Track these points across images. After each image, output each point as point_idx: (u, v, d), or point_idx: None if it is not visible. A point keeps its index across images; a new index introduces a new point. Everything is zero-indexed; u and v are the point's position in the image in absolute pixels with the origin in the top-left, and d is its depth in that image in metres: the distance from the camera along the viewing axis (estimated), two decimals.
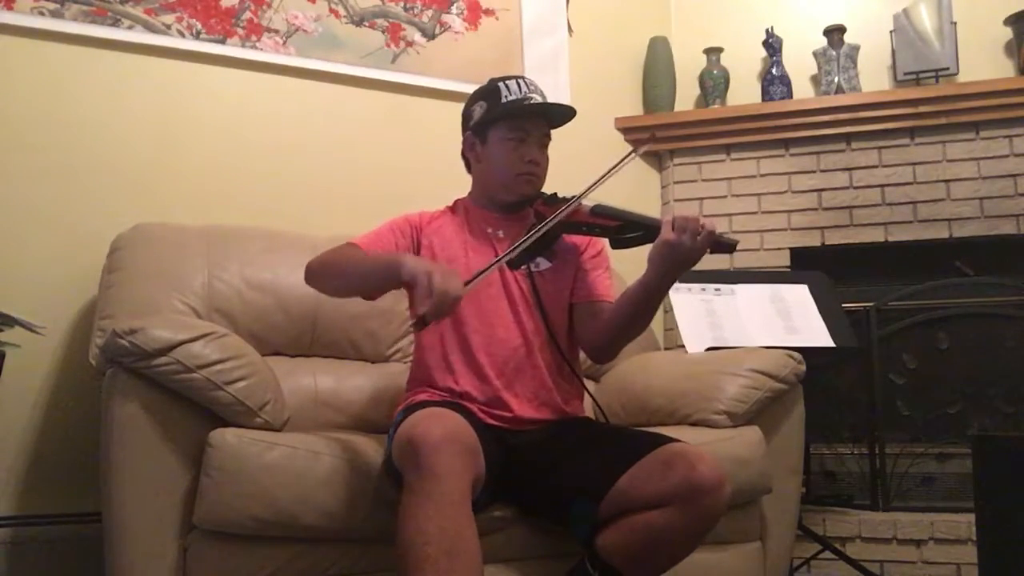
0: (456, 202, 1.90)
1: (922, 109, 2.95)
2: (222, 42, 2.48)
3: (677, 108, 3.18)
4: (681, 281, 2.40)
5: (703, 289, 2.44)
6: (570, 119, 1.82)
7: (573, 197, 1.67)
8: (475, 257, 1.77)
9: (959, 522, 2.55)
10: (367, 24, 2.71)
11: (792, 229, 3.07)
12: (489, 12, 2.92)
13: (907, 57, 3.02)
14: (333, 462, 1.53)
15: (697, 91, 3.23)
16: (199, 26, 2.45)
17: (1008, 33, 3.00)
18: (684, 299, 2.40)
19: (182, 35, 2.43)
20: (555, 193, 1.77)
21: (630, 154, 1.67)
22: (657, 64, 3.16)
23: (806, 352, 2.09)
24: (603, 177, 1.64)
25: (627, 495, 1.50)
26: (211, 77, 2.47)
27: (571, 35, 3.07)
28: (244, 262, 2.12)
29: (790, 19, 3.19)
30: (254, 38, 2.53)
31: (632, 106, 3.20)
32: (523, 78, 1.82)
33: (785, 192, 3.09)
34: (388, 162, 2.68)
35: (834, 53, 3.07)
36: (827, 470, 2.93)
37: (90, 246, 2.15)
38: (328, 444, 1.57)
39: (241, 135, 2.49)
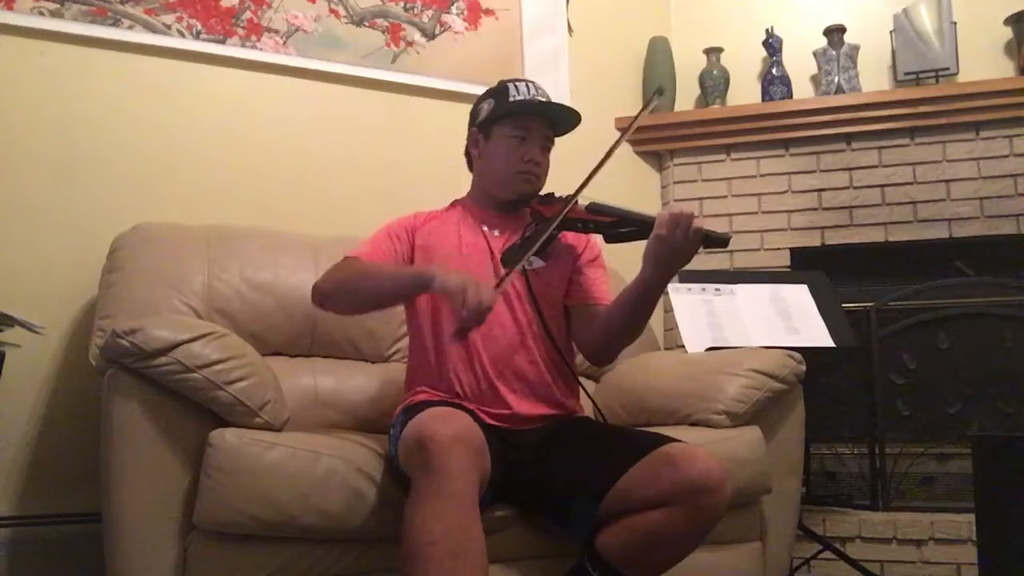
0: (454, 202, 1.91)
1: (922, 109, 2.95)
2: (222, 42, 2.48)
3: (677, 108, 3.18)
4: (681, 281, 2.41)
5: (703, 289, 2.44)
6: (573, 128, 1.84)
7: (568, 196, 1.68)
8: (469, 254, 1.78)
9: (959, 522, 2.54)
10: (367, 24, 2.71)
11: (792, 229, 3.07)
12: (489, 12, 2.92)
13: (907, 57, 3.02)
14: (333, 462, 1.53)
15: (697, 91, 3.23)
16: (199, 26, 2.45)
17: (1008, 33, 2.99)
18: (684, 299, 2.40)
19: (182, 35, 2.43)
20: (551, 193, 1.78)
21: (619, 139, 1.71)
22: (657, 64, 3.16)
23: (806, 352, 2.09)
24: (598, 166, 1.66)
25: (627, 495, 1.50)
26: (211, 77, 2.47)
27: (571, 35, 3.07)
28: (244, 262, 2.12)
29: (790, 19, 3.19)
30: (254, 38, 2.53)
31: (632, 106, 3.20)
32: (533, 82, 1.84)
33: (785, 192, 3.09)
34: (388, 162, 2.68)
35: (834, 53, 3.07)
36: (827, 470, 2.93)
37: (90, 246, 2.15)
38: (328, 444, 1.57)
39: (241, 135, 2.49)
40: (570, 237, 1.84)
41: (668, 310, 2.64)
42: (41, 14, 2.25)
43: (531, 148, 1.78)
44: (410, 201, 1.94)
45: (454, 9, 2.86)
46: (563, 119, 1.83)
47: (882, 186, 3.01)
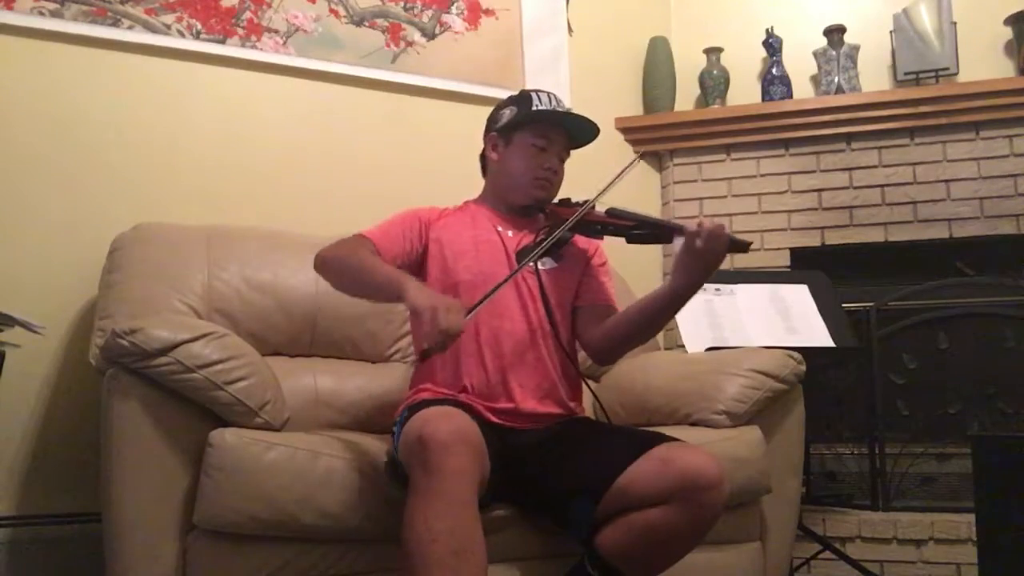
0: (465, 203, 1.93)
1: (922, 109, 2.95)
2: (222, 42, 2.48)
3: (677, 108, 3.18)
4: None
5: (703, 289, 2.42)
6: (590, 141, 1.87)
7: (586, 201, 1.71)
8: (485, 251, 1.79)
9: (959, 522, 2.54)
10: (367, 24, 2.71)
11: (792, 229, 3.07)
12: (489, 12, 2.92)
13: (907, 57, 3.02)
14: (333, 462, 1.53)
15: (697, 91, 3.23)
16: (199, 26, 2.45)
17: (1008, 33, 3.00)
18: None
19: (182, 35, 2.43)
20: (568, 198, 1.81)
21: (634, 161, 1.72)
22: (657, 64, 3.16)
23: (806, 352, 2.09)
24: (612, 182, 1.68)
25: (626, 493, 1.50)
26: (211, 77, 2.47)
27: (571, 35, 3.07)
28: (244, 262, 2.12)
29: (790, 19, 3.19)
30: (254, 38, 2.53)
31: (632, 106, 3.20)
32: (553, 94, 1.87)
33: (785, 192, 3.09)
34: (388, 162, 2.68)
35: (834, 53, 3.07)
36: (827, 470, 2.93)
37: (90, 246, 2.15)
38: (328, 444, 1.57)
39: (241, 135, 2.49)
40: (581, 242, 1.87)
41: None
42: (41, 14, 2.25)
43: (550, 157, 1.82)
44: (410, 201, 1.94)
45: (454, 9, 2.86)
46: (582, 132, 1.85)
47: (882, 186, 3.01)
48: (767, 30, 3.13)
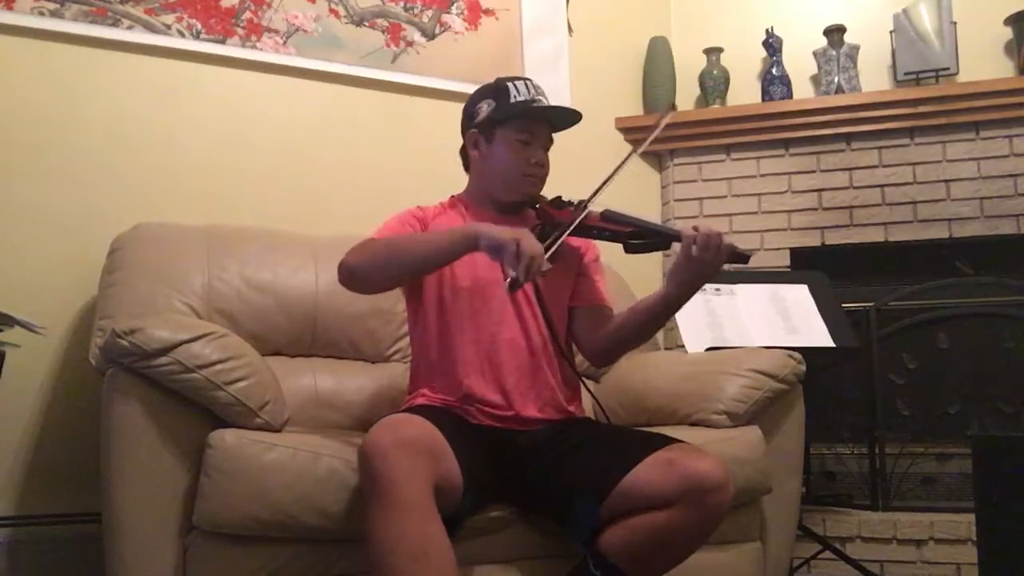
0: (452, 199, 1.90)
1: (922, 109, 2.95)
2: (222, 42, 2.48)
3: (677, 108, 3.17)
4: None
5: (703, 289, 2.43)
6: (572, 125, 1.83)
7: (581, 201, 1.69)
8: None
9: (959, 522, 2.54)
10: (367, 24, 2.71)
11: (792, 229, 3.07)
12: (489, 12, 2.92)
13: (907, 57, 3.02)
14: (333, 463, 1.53)
15: (697, 91, 3.23)
16: (199, 26, 2.45)
17: (1008, 33, 2.99)
18: None
19: (182, 35, 2.43)
20: (559, 196, 1.78)
21: (631, 153, 1.70)
22: (657, 64, 3.16)
23: (806, 352, 2.09)
24: (609, 178, 1.66)
25: (630, 495, 1.50)
26: (211, 77, 2.47)
27: (571, 35, 3.07)
28: (244, 262, 2.12)
29: (790, 19, 3.19)
30: (254, 38, 2.53)
31: (632, 106, 3.20)
32: (529, 80, 1.83)
33: (785, 192, 3.09)
34: (388, 162, 2.68)
35: (834, 53, 3.07)
36: (827, 470, 2.93)
37: (90, 246, 2.15)
38: (328, 444, 1.57)
39: (241, 135, 2.49)
40: (573, 239, 1.83)
41: None
42: (41, 14, 2.25)
43: (536, 150, 1.78)
44: (410, 201, 1.94)
45: (454, 9, 2.86)
46: (563, 118, 1.82)
47: (882, 186, 3.01)
48: (767, 30, 3.13)
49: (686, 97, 3.24)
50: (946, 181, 2.96)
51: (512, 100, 1.78)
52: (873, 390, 2.79)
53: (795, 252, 3.05)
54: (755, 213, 3.09)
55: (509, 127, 1.78)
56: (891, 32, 3.07)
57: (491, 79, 1.87)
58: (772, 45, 3.12)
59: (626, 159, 1.68)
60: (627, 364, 2.24)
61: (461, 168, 1.91)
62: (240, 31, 2.51)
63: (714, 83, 3.15)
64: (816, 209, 3.06)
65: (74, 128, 2.27)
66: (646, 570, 1.52)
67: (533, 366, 1.73)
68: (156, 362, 1.49)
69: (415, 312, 1.82)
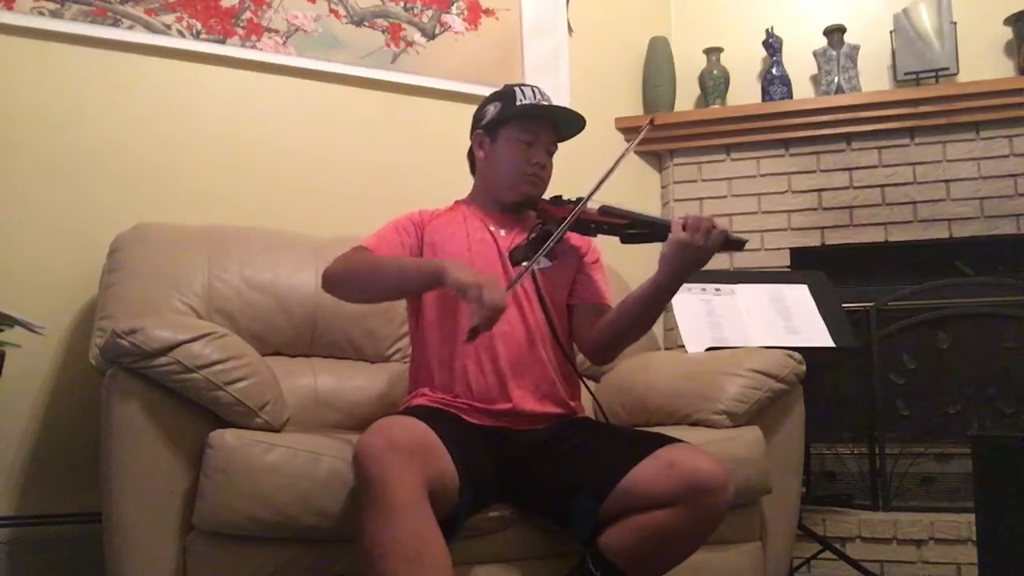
0: (456, 203, 1.92)
1: (922, 109, 2.95)
2: (222, 42, 2.48)
3: (677, 108, 3.18)
4: None
5: (703, 289, 2.44)
6: (577, 133, 1.86)
7: (579, 198, 1.70)
8: (479, 251, 1.79)
9: (959, 522, 2.54)
10: (367, 24, 2.71)
11: (792, 229, 3.07)
12: (489, 12, 2.92)
13: (907, 57, 3.02)
14: (333, 463, 1.53)
15: (697, 91, 3.23)
16: (199, 26, 2.45)
17: (1008, 33, 3.00)
18: (684, 299, 2.40)
19: (182, 35, 2.43)
20: (559, 196, 1.79)
21: (628, 149, 1.71)
22: (657, 64, 3.16)
23: (806, 352, 2.08)
24: (607, 174, 1.66)
25: (630, 494, 1.50)
26: (211, 77, 2.47)
27: (571, 35, 3.07)
28: (244, 262, 2.12)
29: (790, 19, 3.19)
30: (254, 38, 2.53)
31: (632, 106, 3.20)
32: (537, 87, 1.86)
33: (785, 192, 3.09)
34: (388, 162, 2.68)
35: (834, 53, 3.07)
36: (827, 470, 2.93)
37: (90, 246, 2.15)
38: (328, 445, 1.57)
39: (241, 135, 2.49)
40: (574, 238, 1.85)
41: (668, 310, 2.64)
42: (41, 14, 2.25)
43: (538, 151, 1.81)
44: (410, 201, 1.94)
45: (454, 9, 2.86)
46: (568, 124, 1.85)
47: (882, 186, 3.01)
48: (767, 30, 3.13)
49: (686, 97, 3.24)
50: (946, 181, 2.96)
51: (518, 102, 1.81)
52: (873, 390, 2.79)
53: (795, 252, 3.05)
54: (755, 213, 3.09)
55: (513, 127, 1.80)
56: (891, 32, 3.08)
57: (491, 79, 1.89)
58: (772, 45, 3.12)
59: (621, 156, 1.68)
60: (627, 364, 2.24)
61: (461, 167, 1.92)
62: (240, 31, 2.51)
63: (714, 83, 3.15)
64: (816, 209, 3.06)
65: (74, 128, 2.27)
66: (646, 570, 1.53)
67: (532, 358, 1.73)
68: (156, 362, 1.49)
69: (415, 308, 1.83)
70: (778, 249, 3.06)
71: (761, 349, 2.07)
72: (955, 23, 2.97)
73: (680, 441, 1.56)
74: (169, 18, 2.41)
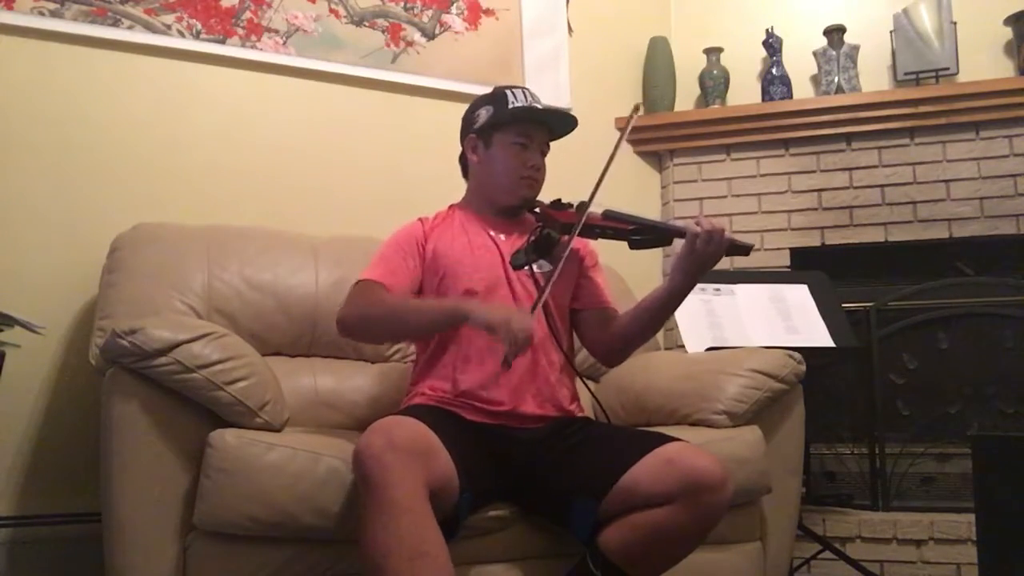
0: (451, 207, 1.92)
1: (922, 109, 2.95)
2: (222, 42, 2.48)
3: (677, 108, 3.18)
4: None
5: (703, 289, 2.44)
6: (570, 131, 1.87)
7: (581, 202, 1.69)
8: (481, 258, 1.79)
9: (959, 522, 2.55)
10: (367, 24, 2.71)
11: (792, 229, 3.07)
12: (489, 12, 2.92)
13: (907, 57, 3.02)
14: (333, 463, 1.53)
15: (697, 91, 3.23)
16: (199, 26, 2.45)
17: (1008, 33, 2.99)
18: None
19: (182, 35, 2.43)
20: (559, 199, 1.78)
21: (619, 140, 1.73)
22: (657, 64, 3.16)
23: (806, 352, 2.08)
24: (603, 172, 1.67)
25: (630, 493, 1.50)
26: (211, 77, 2.47)
27: (571, 35, 3.07)
28: (244, 262, 2.12)
29: (790, 19, 3.19)
30: (254, 38, 2.53)
31: (632, 106, 3.19)
32: (527, 88, 1.87)
33: (785, 192, 3.09)
34: (388, 162, 2.68)
35: (834, 53, 3.07)
36: (827, 470, 2.93)
37: (90, 246, 2.15)
38: (328, 445, 1.57)
39: (241, 135, 2.49)
40: (575, 242, 1.84)
41: None
42: (41, 14, 2.25)
43: (533, 154, 1.81)
44: (410, 201, 1.94)
45: (454, 9, 2.86)
46: (561, 123, 1.85)
47: (882, 186, 3.01)
48: (767, 30, 3.13)
49: (686, 97, 3.24)
50: (946, 181, 2.96)
51: (510, 106, 1.81)
52: (873, 390, 2.79)
53: (795, 252, 3.05)
54: (755, 213, 3.09)
55: (507, 131, 1.80)
56: (891, 32, 3.07)
57: (491, 79, 1.89)
58: (772, 45, 3.12)
59: (611, 156, 1.68)
60: (627, 364, 2.22)
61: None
62: (240, 31, 2.51)
63: (714, 83, 3.15)
64: (816, 209, 3.06)
65: (74, 128, 2.27)
66: (645, 568, 1.53)
67: (533, 363, 1.73)
68: (156, 362, 1.49)
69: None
70: (778, 249, 3.06)
71: (761, 349, 2.07)
72: (955, 23, 2.97)
73: (680, 440, 1.56)
74: (169, 18, 2.41)
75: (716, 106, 3.15)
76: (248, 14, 2.53)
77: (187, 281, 2.04)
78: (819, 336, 2.39)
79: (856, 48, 3.07)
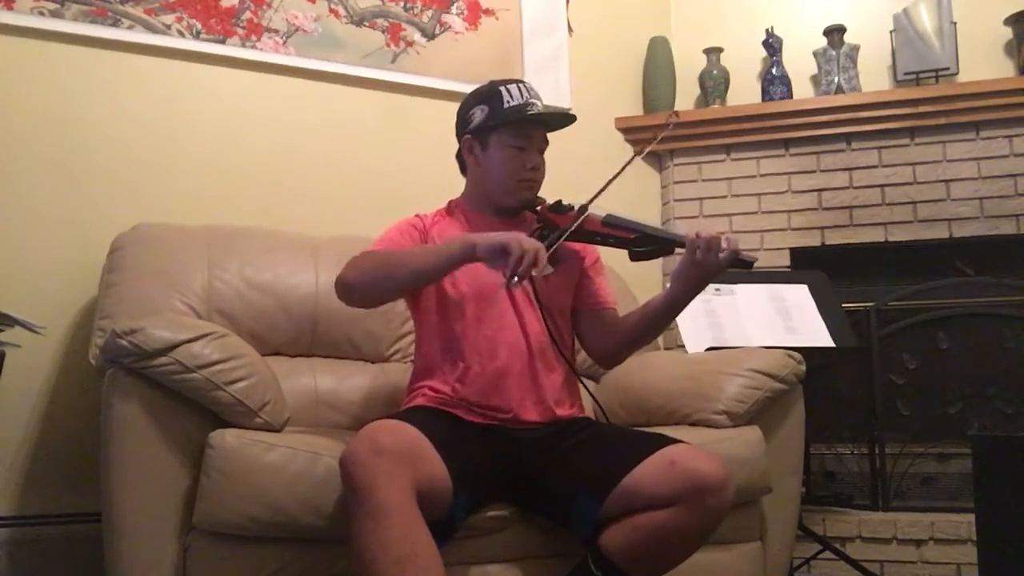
0: (450, 203, 1.90)
1: (922, 109, 2.95)
2: (222, 42, 2.48)
3: (677, 108, 3.17)
4: None
5: (703, 290, 2.43)
6: (569, 124, 1.83)
7: (582, 205, 1.67)
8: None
9: (959, 522, 2.55)
10: (367, 24, 2.71)
11: (792, 229, 3.07)
12: (489, 12, 2.92)
13: (907, 57, 3.02)
14: (333, 463, 1.52)
15: (697, 91, 3.23)
16: (199, 26, 2.45)
17: (1008, 33, 3.00)
18: None
19: (182, 35, 2.43)
20: (560, 200, 1.77)
21: (633, 157, 1.70)
22: (657, 64, 3.16)
23: (806, 352, 2.08)
24: (609, 182, 1.66)
25: (631, 494, 1.50)
26: (211, 77, 2.47)
27: (571, 35, 3.07)
28: (244, 262, 2.12)
29: (790, 19, 3.19)
30: (254, 38, 2.53)
31: (632, 106, 3.20)
32: (523, 82, 1.82)
33: (785, 192, 3.09)
34: (388, 162, 2.68)
35: (834, 53, 3.07)
36: (827, 470, 2.93)
37: (90, 246, 2.15)
38: (328, 445, 1.57)
39: (241, 135, 2.49)
40: (573, 244, 1.83)
41: None
42: (41, 14, 2.25)
43: (531, 155, 1.78)
44: (410, 201, 1.94)
45: (454, 9, 2.86)
46: (558, 119, 1.83)
47: (882, 186, 3.01)
48: (767, 30, 3.13)
49: (686, 97, 3.24)
50: (946, 181, 2.96)
51: (505, 105, 1.76)
52: (873, 390, 2.79)
53: (795, 252, 3.05)
54: (755, 213, 3.09)
55: (504, 133, 1.77)
56: (891, 32, 3.07)
57: (491, 79, 1.87)
58: (772, 45, 3.12)
59: (627, 163, 1.67)
60: (627, 364, 2.22)
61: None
62: (240, 31, 2.51)
63: (714, 83, 3.15)
64: (816, 209, 3.06)
65: (74, 128, 2.27)
66: (647, 569, 1.53)
67: (533, 369, 1.72)
68: (156, 362, 1.49)
69: (417, 316, 1.82)
70: (778, 249, 3.06)
71: (761, 349, 2.07)
72: (955, 23, 2.97)
73: (681, 441, 1.56)
74: (169, 18, 2.41)
75: (716, 106, 3.15)
76: (248, 14, 2.53)
77: (187, 281, 2.04)
78: (819, 336, 2.39)
79: (856, 48, 3.07)
